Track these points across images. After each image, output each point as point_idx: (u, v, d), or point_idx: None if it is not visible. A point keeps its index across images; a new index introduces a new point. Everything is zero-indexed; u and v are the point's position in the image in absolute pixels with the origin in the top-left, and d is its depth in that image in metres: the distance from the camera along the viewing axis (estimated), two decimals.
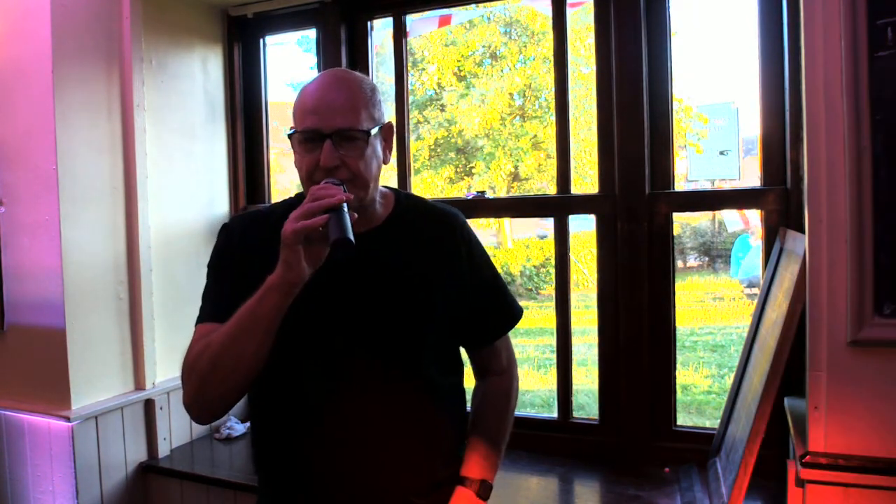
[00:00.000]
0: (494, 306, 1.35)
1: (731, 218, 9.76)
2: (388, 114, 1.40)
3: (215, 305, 1.19)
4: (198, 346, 1.14)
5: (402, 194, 1.33)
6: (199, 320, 1.20)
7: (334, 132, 1.12)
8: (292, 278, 1.04)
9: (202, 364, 1.11)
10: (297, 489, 1.22)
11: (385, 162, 1.22)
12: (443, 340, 1.27)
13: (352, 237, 1.02)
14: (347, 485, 1.19)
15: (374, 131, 1.16)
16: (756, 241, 8.07)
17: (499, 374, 1.37)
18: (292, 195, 1.36)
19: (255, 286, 1.08)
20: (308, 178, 1.15)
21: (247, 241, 1.23)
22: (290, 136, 1.17)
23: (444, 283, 1.25)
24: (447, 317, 1.26)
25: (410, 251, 1.24)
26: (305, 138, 1.14)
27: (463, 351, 1.37)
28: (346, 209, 1.04)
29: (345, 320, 1.19)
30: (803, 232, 1.37)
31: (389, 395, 1.20)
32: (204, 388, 1.12)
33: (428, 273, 1.24)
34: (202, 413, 1.17)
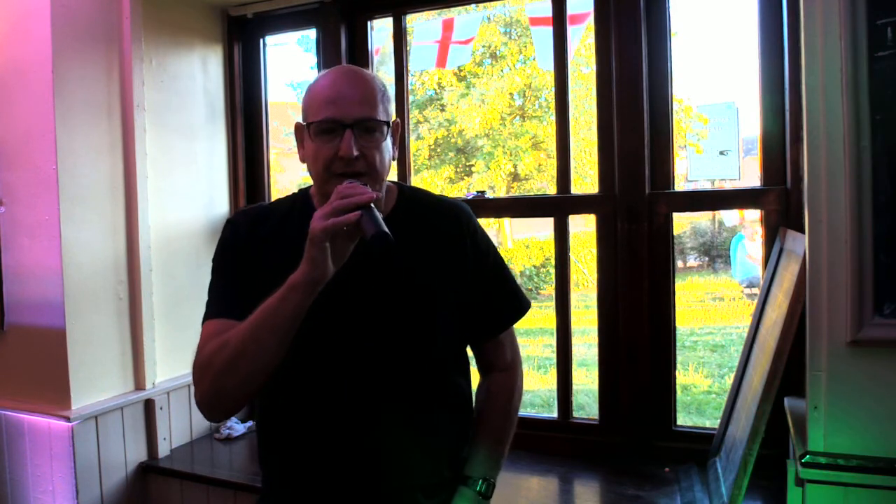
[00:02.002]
0: (500, 297, 1.33)
1: (728, 214, 9.77)
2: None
3: (223, 301, 1.18)
4: (212, 344, 1.11)
5: (405, 187, 1.32)
6: (207, 317, 1.19)
7: (355, 122, 1.12)
8: (317, 276, 1.03)
9: (219, 362, 1.09)
10: (301, 487, 1.22)
11: (393, 158, 1.22)
12: (450, 336, 1.26)
13: (388, 231, 1.01)
14: (352, 483, 1.19)
15: (389, 124, 1.17)
16: (750, 239, 8.06)
17: (503, 370, 1.36)
18: (295, 191, 1.35)
19: (261, 281, 1.07)
20: (325, 169, 1.14)
21: (253, 236, 1.22)
22: (304, 126, 1.16)
23: (451, 276, 1.24)
24: (455, 311, 1.25)
25: (416, 245, 1.23)
26: (324, 129, 1.13)
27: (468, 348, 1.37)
28: (374, 206, 1.04)
29: (352, 317, 1.18)
30: (803, 232, 1.37)
31: (396, 393, 1.19)
32: (220, 386, 1.10)
33: (434, 267, 1.23)
34: (216, 411, 1.15)
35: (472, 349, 1.38)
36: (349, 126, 1.11)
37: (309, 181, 1.30)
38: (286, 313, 1.05)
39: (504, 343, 1.36)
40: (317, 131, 1.13)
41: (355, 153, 1.10)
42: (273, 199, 2.74)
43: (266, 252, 1.17)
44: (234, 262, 1.22)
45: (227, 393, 1.11)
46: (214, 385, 1.10)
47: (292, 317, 1.05)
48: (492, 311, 1.32)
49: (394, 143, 1.22)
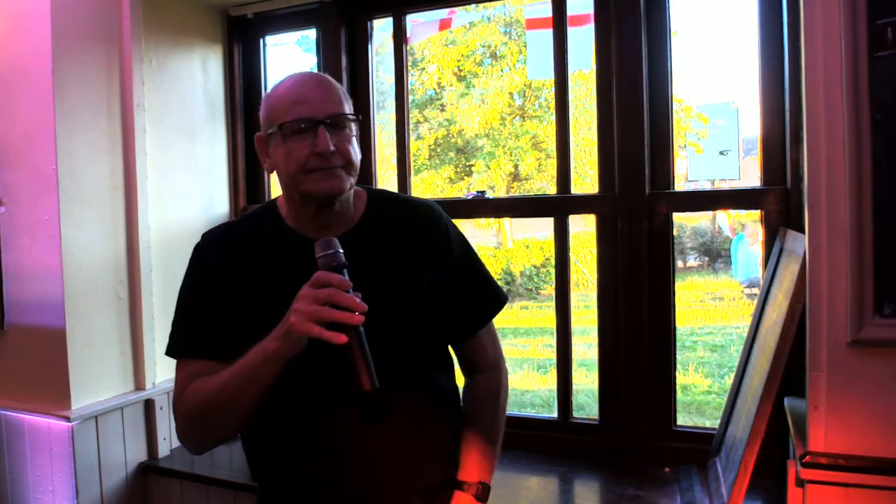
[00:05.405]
0: (477, 291, 1.32)
1: (721, 220, 9.85)
2: (376, 113, 1.39)
3: (197, 339, 1.19)
4: (188, 392, 1.14)
5: (372, 190, 1.32)
6: (180, 354, 1.20)
7: (328, 117, 1.13)
8: (287, 353, 1.05)
9: (194, 414, 1.14)
10: (296, 493, 1.22)
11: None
12: (433, 338, 1.26)
13: (377, 382, 1.01)
14: (347, 489, 1.18)
15: (359, 118, 1.19)
16: (752, 241, 8.07)
17: (486, 370, 1.35)
18: (258, 205, 1.36)
19: (234, 307, 1.11)
20: (300, 168, 1.13)
21: (222, 259, 1.22)
22: (267, 135, 1.17)
23: (427, 276, 1.24)
24: (434, 311, 1.24)
25: (390, 249, 1.23)
26: (296, 129, 1.13)
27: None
28: (362, 332, 1.03)
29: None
30: (803, 232, 1.37)
31: (387, 396, 1.19)
32: (196, 433, 1.17)
33: (410, 269, 1.22)
34: (195, 450, 1.21)
35: (455, 350, 1.36)
36: (322, 122, 1.12)
37: None
38: (261, 380, 1.08)
39: (485, 341, 1.35)
40: (289, 132, 1.13)
41: (331, 149, 1.11)
42: (272, 198, 2.74)
43: (236, 275, 1.17)
44: (202, 293, 1.21)
45: (203, 439, 1.18)
46: (191, 431, 1.17)
47: (266, 382, 1.08)
48: (469, 305, 1.31)
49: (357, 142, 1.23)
